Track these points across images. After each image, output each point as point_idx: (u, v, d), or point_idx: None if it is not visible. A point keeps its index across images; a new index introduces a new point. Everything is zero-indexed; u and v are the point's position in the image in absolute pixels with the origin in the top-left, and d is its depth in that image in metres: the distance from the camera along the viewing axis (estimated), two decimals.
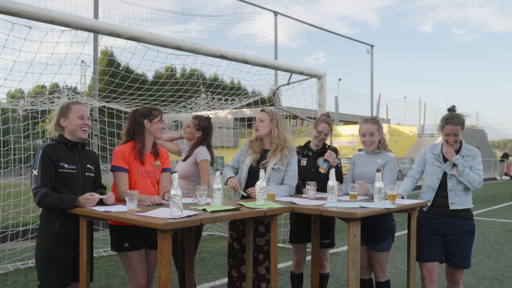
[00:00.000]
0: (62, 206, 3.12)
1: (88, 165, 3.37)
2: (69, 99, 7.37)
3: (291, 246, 4.51)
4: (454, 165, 3.84)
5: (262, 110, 4.13)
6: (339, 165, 4.42)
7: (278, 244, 7.35)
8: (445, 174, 3.92)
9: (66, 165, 3.22)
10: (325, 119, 4.45)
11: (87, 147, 3.49)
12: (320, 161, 4.34)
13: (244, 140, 4.23)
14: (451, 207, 3.88)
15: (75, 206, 3.13)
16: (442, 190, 3.90)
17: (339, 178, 4.31)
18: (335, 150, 4.42)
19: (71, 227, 3.20)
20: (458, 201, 3.88)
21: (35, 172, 3.14)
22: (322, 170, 4.18)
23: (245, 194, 3.90)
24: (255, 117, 4.25)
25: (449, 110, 3.94)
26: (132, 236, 3.44)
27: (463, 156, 3.87)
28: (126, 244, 3.43)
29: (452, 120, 3.85)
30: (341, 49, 11.83)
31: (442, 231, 3.90)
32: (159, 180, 3.67)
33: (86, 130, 3.34)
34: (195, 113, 4.42)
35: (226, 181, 4.00)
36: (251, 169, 4.00)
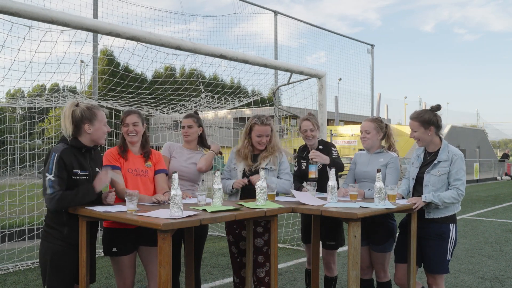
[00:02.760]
0: (84, 202, 3.11)
1: (97, 169, 3.33)
2: (68, 98, 7.35)
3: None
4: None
5: (267, 125, 3.99)
6: (334, 156, 4.32)
7: (278, 245, 7.33)
8: (420, 175, 3.79)
9: (79, 171, 3.16)
10: (305, 117, 4.43)
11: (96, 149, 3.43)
12: (304, 165, 4.26)
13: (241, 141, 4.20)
14: (427, 216, 3.70)
15: (96, 195, 3.14)
16: (417, 192, 3.79)
17: (341, 168, 4.26)
18: (328, 145, 4.41)
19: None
20: (434, 208, 3.68)
21: (50, 176, 3.03)
22: (312, 175, 3.95)
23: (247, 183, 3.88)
24: (252, 123, 4.09)
25: (430, 107, 3.80)
26: (122, 241, 3.45)
27: (439, 161, 3.68)
28: (114, 249, 3.44)
29: (412, 114, 3.75)
30: (341, 49, 11.82)
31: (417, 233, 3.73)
32: (153, 180, 3.68)
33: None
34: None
35: (232, 188, 3.93)
36: (244, 175, 3.99)
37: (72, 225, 3.15)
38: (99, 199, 3.27)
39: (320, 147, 4.39)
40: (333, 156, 4.32)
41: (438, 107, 3.77)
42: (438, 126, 3.73)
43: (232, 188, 3.92)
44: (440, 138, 3.79)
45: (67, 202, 3.05)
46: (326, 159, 4.14)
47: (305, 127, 4.36)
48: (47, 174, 3.06)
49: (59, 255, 3.12)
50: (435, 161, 3.70)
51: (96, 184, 3.15)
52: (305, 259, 6.55)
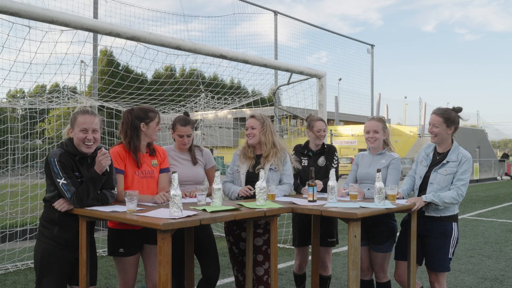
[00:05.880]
0: (97, 187, 3.11)
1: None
2: (68, 99, 7.36)
3: (292, 247, 4.54)
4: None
5: (252, 117, 4.03)
6: (334, 165, 4.41)
7: (278, 245, 7.33)
8: (427, 174, 3.82)
9: (77, 174, 3.15)
10: (318, 117, 4.47)
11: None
12: (305, 187, 4.14)
13: (244, 140, 4.19)
14: (427, 213, 3.73)
15: (100, 176, 3.10)
16: (424, 191, 3.81)
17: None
18: (333, 149, 4.48)
19: (70, 232, 3.16)
20: (433, 208, 3.70)
21: (62, 180, 3.03)
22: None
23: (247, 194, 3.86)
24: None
25: (453, 108, 3.84)
26: (128, 241, 3.43)
27: (448, 161, 3.72)
28: (121, 249, 3.43)
29: (437, 110, 3.78)
30: (342, 49, 11.84)
31: (417, 231, 3.74)
32: (157, 180, 3.65)
33: (89, 145, 3.14)
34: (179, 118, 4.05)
35: (238, 196, 3.88)
36: (248, 175, 3.98)
37: (63, 224, 3.14)
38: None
39: (325, 146, 4.50)
40: (333, 165, 4.38)
41: (460, 109, 3.82)
42: (457, 128, 3.79)
43: (238, 196, 3.89)
44: (452, 139, 3.84)
45: (85, 196, 3.06)
46: (321, 187, 4.12)
47: (321, 126, 4.41)
48: (58, 180, 3.05)
49: (47, 254, 3.13)
50: (444, 161, 3.75)
51: (97, 169, 3.11)
52: None
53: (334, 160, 4.43)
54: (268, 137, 3.99)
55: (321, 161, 4.42)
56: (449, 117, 3.72)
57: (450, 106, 3.88)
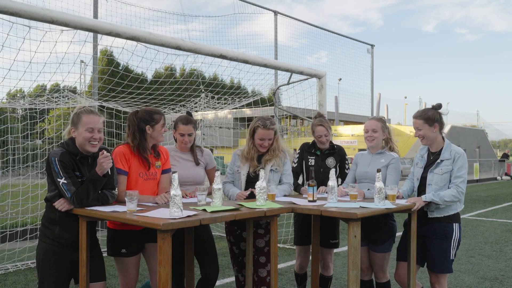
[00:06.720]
0: (98, 188, 3.11)
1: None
2: (68, 98, 7.37)
3: (292, 247, 4.52)
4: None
5: (272, 129, 3.90)
6: (347, 171, 4.44)
7: (278, 245, 7.33)
8: (424, 175, 3.82)
9: (78, 174, 3.15)
10: (319, 122, 4.34)
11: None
12: (304, 187, 4.20)
13: (244, 140, 4.16)
14: (430, 215, 3.72)
15: (101, 178, 3.09)
16: (422, 192, 3.80)
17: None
18: (343, 152, 4.48)
19: (72, 232, 3.16)
20: (436, 208, 3.70)
21: (62, 180, 3.04)
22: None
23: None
24: (256, 125, 3.96)
25: (432, 106, 3.84)
26: (130, 242, 3.43)
27: (442, 160, 3.71)
28: (123, 250, 3.42)
29: (416, 114, 3.77)
30: (342, 49, 11.85)
31: (418, 232, 3.74)
32: (159, 181, 3.64)
33: (95, 144, 3.16)
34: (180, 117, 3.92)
35: (235, 200, 3.86)
36: (248, 176, 3.96)
37: (64, 224, 3.15)
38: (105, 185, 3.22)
39: (335, 146, 4.44)
40: (346, 171, 4.40)
41: (439, 106, 3.81)
42: (441, 124, 3.78)
43: (236, 200, 3.87)
44: (443, 137, 3.83)
45: (85, 197, 3.06)
46: (323, 189, 4.14)
47: (320, 132, 4.31)
48: (58, 180, 3.05)
49: (49, 255, 3.13)
50: (438, 160, 3.74)
51: (99, 171, 3.10)
52: None
53: (346, 165, 4.44)
54: (279, 144, 3.99)
55: (330, 161, 4.37)
56: (428, 117, 3.72)
57: (449, 106, 3.88)
